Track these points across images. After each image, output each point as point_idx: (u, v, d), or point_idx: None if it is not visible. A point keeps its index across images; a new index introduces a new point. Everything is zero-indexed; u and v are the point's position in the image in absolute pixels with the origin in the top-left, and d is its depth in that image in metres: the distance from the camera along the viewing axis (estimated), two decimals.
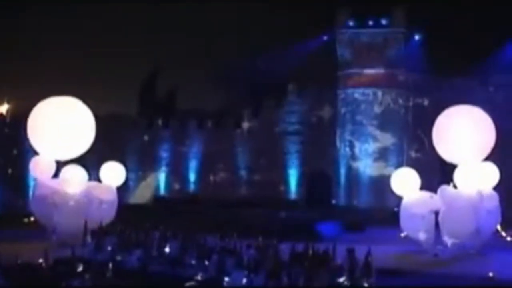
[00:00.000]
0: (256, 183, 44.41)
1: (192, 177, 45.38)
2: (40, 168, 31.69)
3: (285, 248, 23.37)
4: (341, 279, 19.91)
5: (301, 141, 44.37)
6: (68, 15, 48.25)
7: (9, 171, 44.46)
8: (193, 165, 45.53)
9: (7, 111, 47.63)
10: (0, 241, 24.11)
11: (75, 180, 31.12)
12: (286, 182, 44.21)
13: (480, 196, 27.80)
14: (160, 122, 46.48)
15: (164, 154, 45.87)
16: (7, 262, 20.71)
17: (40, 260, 20.77)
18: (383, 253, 24.15)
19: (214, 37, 48.26)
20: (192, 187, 45.34)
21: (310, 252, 22.48)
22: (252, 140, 44.97)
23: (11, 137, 44.26)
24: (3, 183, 44.13)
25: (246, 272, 20.27)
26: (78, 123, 31.28)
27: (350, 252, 21.13)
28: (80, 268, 20.54)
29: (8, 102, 48.14)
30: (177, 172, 45.63)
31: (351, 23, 42.91)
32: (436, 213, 27.67)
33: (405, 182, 29.29)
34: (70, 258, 21.78)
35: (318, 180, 43.39)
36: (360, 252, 20.86)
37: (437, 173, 34.94)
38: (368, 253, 20.40)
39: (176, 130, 46.14)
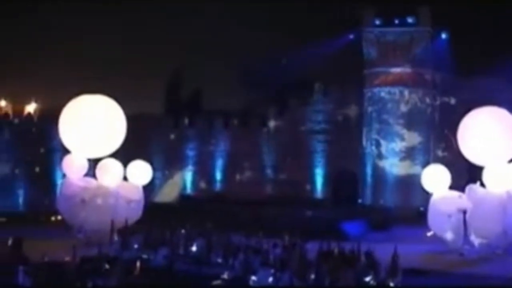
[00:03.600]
0: (282, 182, 44.26)
1: (218, 176, 45.33)
2: (72, 167, 31.83)
3: (311, 247, 23.25)
4: (367, 279, 19.76)
5: (327, 140, 44.15)
6: (96, 15, 48.39)
7: (37, 169, 44.61)
8: (219, 164, 45.46)
9: (35, 110, 47.84)
10: (28, 239, 24.12)
11: (112, 173, 31.25)
12: (312, 181, 44.02)
13: (509, 196, 27.54)
14: (186, 121, 46.46)
15: (190, 153, 45.84)
16: (35, 259, 20.77)
17: (67, 258, 20.78)
18: (409, 253, 23.93)
19: (241, 37, 48.19)
20: (218, 186, 45.28)
21: (336, 251, 22.37)
22: (278, 139, 44.82)
23: (39, 136, 44.42)
24: (31, 181, 44.30)
25: (272, 271, 20.17)
26: (110, 121, 31.37)
27: (369, 254, 21.02)
28: (106, 266, 20.53)
29: (35, 101, 48.37)
30: (203, 171, 45.58)
31: (377, 22, 42.66)
32: (464, 213, 27.43)
33: (436, 179, 29.05)
34: (96, 256, 21.79)
35: (344, 179, 43.17)
36: (386, 251, 20.70)
37: (464, 172, 34.58)
38: (395, 253, 20.24)
39: (202, 129, 46.10)
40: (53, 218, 38.37)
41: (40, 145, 44.38)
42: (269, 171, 44.73)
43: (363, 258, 21.27)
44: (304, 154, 44.17)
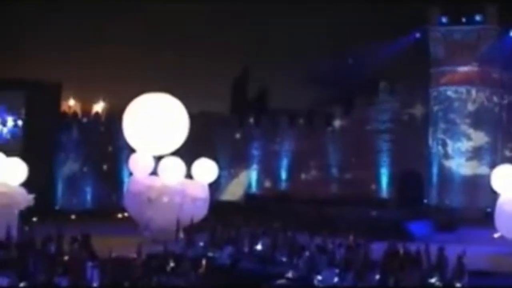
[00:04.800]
0: (347, 181, 44.04)
1: (283, 175, 45.32)
2: (139, 165, 32.23)
3: (375, 248, 23.12)
4: (433, 280, 19.55)
5: (392, 139, 43.78)
6: (161, 14, 48.78)
7: (104, 167, 45.23)
8: (284, 163, 45.45)
9: (103, 109, 48.49)
10: (95, 235, 24.49)
11: (174, 172, 31.56)
12: (377, 181, 43.72)
13: None
14: (252, 120, 46.57)
15: (256, 152, 45.92)
16: (102, 256, 21.07)
17: (133, 255, 21.03)
18: (475, 254, 23.61)
19: (306, 36, 48.07)
20: (283, 185, 45.27)
21: (401, 251, 22.20)
22: (343, 138, 44.60)
23: (107, 135, 45.03)
24: (98, 179, 44.95)
25: (337, 271, 20.10)
26: (172, 119, 31.67)
27: (441, 250, 20.78)
28: (172, 264, 20.72)
29: (103, 100, 49.02)
30: (268, 170, 45.62)
31: (444, 20, 42.17)
32: None
33: (506, 179, 28.59)
34: (162, 253, 22.01)
35: (410, 179, 42.76)
36: (452, 252, 20.46)
37: None
38: (462, 254, 19.99)
39: (267, 128, 46.15)
40: (120, 215, 38.91)
41: (108, 144, 44.99)
42: (334, 171, 44.55)
43: (432, 256, 21.06)
44: (370, 154, 43.87)
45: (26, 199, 29.56)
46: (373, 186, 43.69)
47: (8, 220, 27.64)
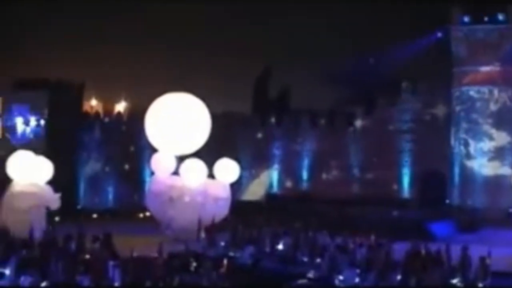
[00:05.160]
0: (368, 181, 43.89)
1: (304, 175, 45.25)
2: (160, 165, 32.33)
3: (397, 248, 23.04)
4: (455, 280, 19.46)
5: (414, 139, 43.57)
6: (183, 13, 48.87)
7: (126, 167, 45.39)
8: (305, 163, 45.37)
9: (125, 109, 48.67)
10: (117, 234, 24.57)
11: (196, 173, 31.63)
12: (399, 181, 43.54)
13: None
14: (273, 120, 46.54)
15: (277, 152, 45.88)
16: (124, 255, 21.14)
17: (155, 254, 21.08)
18: (497, 255, 23.43)
19: (327, 35, 47.99)
20: (304, 185, 45.19)
21: (423, 252, 22.11)
22: (365, 138, 44.44)
23: (128, 134, 45.17)
24: (120, 179, 45.12)
25: (358, 271, 20.06)
26: (194, 119, 31.72)
27: (464, 250, 20.67)
28: (193, 263, 20.76)
29: (125, 100, 49.21)
30: (289, 169, 45.56)
31: (466, 20, 41.92)
32: None
33: None
34: (183, 252, 22.08)
35: (432, 179, 42.55)
36: (474, 253, 20.35)
37: None
38: (486, 255, 19.88)
39: (289, 128, 46.08)
40: (141, 215, 39.06)
41: (130, 143, 45.14)
42: (355, 171, 44.41)
43: (454, 257, 20.96)
44: (391, 154, 43.70)
45: (55, 199, 29.91)
46: (395, 186, 43.52)
47: (38, 220, 27.99)
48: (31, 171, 29.51)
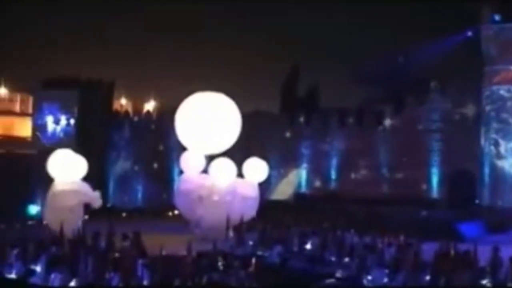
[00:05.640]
0: (397, 181, 43.70)
1: (333, 174, 45.15)
2: (190, 164, 32.45)
3: (426, 248, 22.96)
4: (484, 281, 19.35)
5: (443, 139, 43.31)
6: (212, 11, 49.01)
7: (155, 166, 45.57)
8: (334, 162, 45.28)
9: (154, 108, 48.87)
10: (146, 233, 24.73)
11: (225, 173, 31.72)
12: (428, 181, 43.32)
13: None
14: (302, 119, 46.50)
15: (306, 151, 45.83)
16: (153, 253, 21.27)
17: (183, 253, 21.19)
18: None
19: (356, 33, 47.90)
20: (332, 184, 45.10)
21: (452, 252, 22.03)
22: (394, 137, 44.27)
23: (158, 133, 45.35)
24: (149, 177, 45.32)
25: (386, 271, 20.02)
26: (225, 117, 31.78)
27: (495, 251, 20.56)
28: (221, 262, 20.84)
29: (154, 100, 49.41)
30: (318, 169, 45.50)
31: (496, 18, 41.58)
32: None
33: None
34: (212, 251, 22.15)
35: (461, 179, 42.27)
36: (504, 254, 20.23)
37: None
38: None
39: (317, 127, 46.01)
40: (170, 213, 39.20)
41: (159, 142, 45.32)
42: (384, 170, 44.24)
43: (487, 256, 20.86)
44: (420, 153, 43.48)
45: (98, 197, 30.28)
46: (424, 186, 43.29)
47: (81, 218, 28.31)
48: (70, 169, 29.78)
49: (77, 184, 29.94)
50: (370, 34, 47.01)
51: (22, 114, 51.11)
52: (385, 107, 45.19)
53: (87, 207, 30.10)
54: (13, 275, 20.04)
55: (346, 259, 22.80)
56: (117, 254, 21.97)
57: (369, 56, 46.10)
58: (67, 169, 29.74)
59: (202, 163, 32.37)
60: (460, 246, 22.39)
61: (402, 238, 24.92)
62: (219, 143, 31.91)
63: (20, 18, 48.30)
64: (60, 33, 48.96)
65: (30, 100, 47.74)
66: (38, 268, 20.01)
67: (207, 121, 31.26)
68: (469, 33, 43.14)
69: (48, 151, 38.29)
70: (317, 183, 45.34)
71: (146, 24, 49.10)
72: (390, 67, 45.37)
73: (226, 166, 31.95)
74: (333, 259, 23.38)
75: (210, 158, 32.65)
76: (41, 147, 41.43)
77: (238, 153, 33.43)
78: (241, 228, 27.98)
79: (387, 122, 44.72)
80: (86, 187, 30.33)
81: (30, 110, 47.65)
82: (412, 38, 43.96)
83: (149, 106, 49.31)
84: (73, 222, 26.12)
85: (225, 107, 32.11)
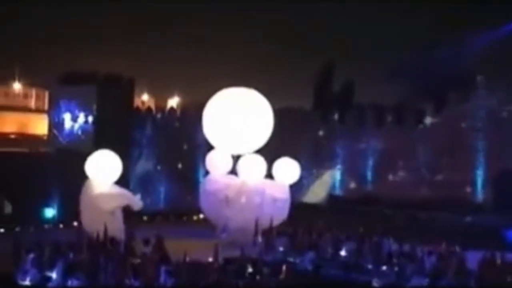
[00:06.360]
0: (438, 183, 43.45)
1: (369, 175, 45.02)
2: (216, 163, 32.48)
3: (470, 256, 22.82)
4: None
5: (489, 138, 43.01)
6: (241, 6, 49.09)
7: (179, 166, 45.63)
8: (370, 162, 45.12)
9: (178, 104, 48.97)
10: (170, 238, 24.78)
11: (254, 170, 31.68)
12: (472, 183, 43.05)
13: None
14: (336, 116, 46.41)
15: (340, 151, 45.74)
16: (176, 259, 21.31)
17: (209, 259, 21.20)
18: None
19: (395, 25, 47.73)
20: (369, 186, 44.96)
21: (499, 261, 21.88)
22: (435, 136, 44.04)
23: (182, 131, 45.41)
24: (173, 178, 45.39)
25: (427, 280, 19.92)
26: (257, 115, 31.75)
27: None
28: (249, 269, 20.83)
29: (178, 95, 49.53)
30: (353, 170, 45.36)
31: None
32: None
33: None
34: (239, 257, 22.14)
35: (508, 181, 41.97)
36: None
37: None
38: None
39: (353, 126, 45.91)
40: (195, 217, 39.28)
41: (183, 141, 45.37)
42: (425, 172, 44.02)
43: None
44: (464, 154, 43.20)
45: (138, 200, 30.54)
46: (468, 189, 43.01)
47: (120, 221, 28.48)
48: (109, 171, 29.88)
49: (116, 186, 30.09)
50: (410, 25, 46.83)
51: (38, 110, 51.54)
52: (425, 104, 45.01)
53: (126, 210, 30.25)
54: (27, 282, 20.18)
55: (384, 267, 22.71)
56: (138, 260, 22.03)
57: (408, 49, 45.93)
58: (106, 170, 29.79)
59: (229, 163, 32.38)
60: (507, 255, 22.23)
61: (444, 245, 24.80)
62: (250, 142, 31.87)
63: (38, 10, 48.69)
64: (78, 27, 49.30)
65: (46, 95, 48.04)
66: (54, 275, 20.12)
67: (237, 118, 31.23)
68: None
69: (65, 150, 38.68)
70: (352, 185, 45.23)
71: (170, 19, 49.29)
72: (432, 60, 45.17)
73: (256, 163, 31.88)
74: (369, 267, 23.31)
75: (237, 158, 32.66)
76: (58, 146, 41.62)
77: (267, 153, 33.40)
78: (271, 232, 27.94)
79: (428, 120, 44.55)
80: (125, 190, 30.54)
81: (46, 107, 47.96)
82: (456, 30, 43.75)
83: (173, 102, 49.44)
84: (114, 226, 26.22)
85: (257, 104, 32.06)
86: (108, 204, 28.85)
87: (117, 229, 25.93)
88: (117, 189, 30.05)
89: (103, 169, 29.71)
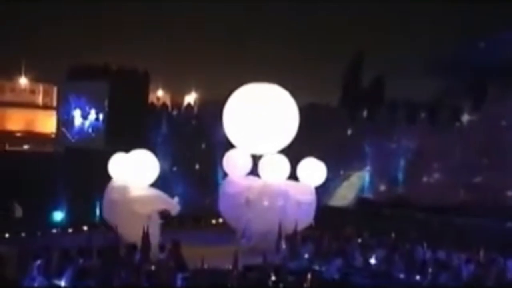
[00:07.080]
0: (476, 186, 43.32)
1: (400, 177, 44.94)
2: (236, 164, 32.48)
3: (511, 265, 22.72)
4: None
5: None
6: (272, 8, 49.31)
7: (197, 166, 45.69)
8: (402, 163, 45.06)
9: (195, 100, 49.05)
10: (186, 243, 24.80)
11: (277, 171, 31.65)
12: None
13: None
14: (365, 113, 46.37)
15: (369, 151, 45.68)
16: (194, 266, 21.33)
17: (228, 266, 21.20)
18: None
19: (430, 17, 47.66)
20: (400, 189, 44.87)
21: None
22: (473, 136, 43.91)
23: (200, 129, 45.48)
24: (190, 180, 45.46)
25: None
26: (281, 112, 31.72)
27: None
28: (272, 277, 20.82)
29: (195, 91, 49.61)
30: (383, 171, 45.30)
31: None
32: None
33: None
34: (261, 265, 22.14)
35: None
36: None
37: None
38: None
39: (383, 124, 45.85)
40: (214, 221, 39.32)
41: (201, 140, 45.43)
42: (461, 174, 43.91)
43: None
44: (504, 155, 43.07)
45: (176, 203, 30.67)
46: (509, 193, 42.89)
47: (155, 225, 28.53)
48: (147, 173, 29.81)
49: (152, 188, 30.08)
50: (446, 16, 46.75)
51: (45, 107, 51.79)
52: (462, 101, 44.88)
53: (163, 214, 30.28)
54: None
55: (417, 277, 22.65)
56: (153, 267, 22.07)
57: (445, 41, 45.83)
58: (144, 172, 29.68)
59: (249, 163, 32.37)
60: None
61: (482, 253, 24.70)
62: (274, 141, 31.84)
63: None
64: (92, 21, 49.58)
65: (54, 91, 48.23)
66: (62, 283, 20.19)
67: (261, 116, 31.20)
68: None
69: (74, 149, 38.81)
70: (383, 187, 45.17)
71: (188, 13, 49.54)
72: (470, 54, 45.04)
73: (279, 163, 31.85)
74: (401, 276, 23.26)
75: (258, 158, 32.65)
76: (67, 145, 41.77)
77: (291, 153, 33.37)
78: (295, 238, 27.91)
79: (465, 118, 44.41)
80: (162, 193, 30.53)
81: (54, 103, 48.18)
82: (497, 21, 43.62)
83: (190, 98, 49.53)
84: (150, 231, 26.25)
85: (281, 100, 32.03)
86: (145, 208, 28.72)
87: (151, 234, 25.88)
88: (155, 192, 29.96)
89: (140, 170, 29.53)
